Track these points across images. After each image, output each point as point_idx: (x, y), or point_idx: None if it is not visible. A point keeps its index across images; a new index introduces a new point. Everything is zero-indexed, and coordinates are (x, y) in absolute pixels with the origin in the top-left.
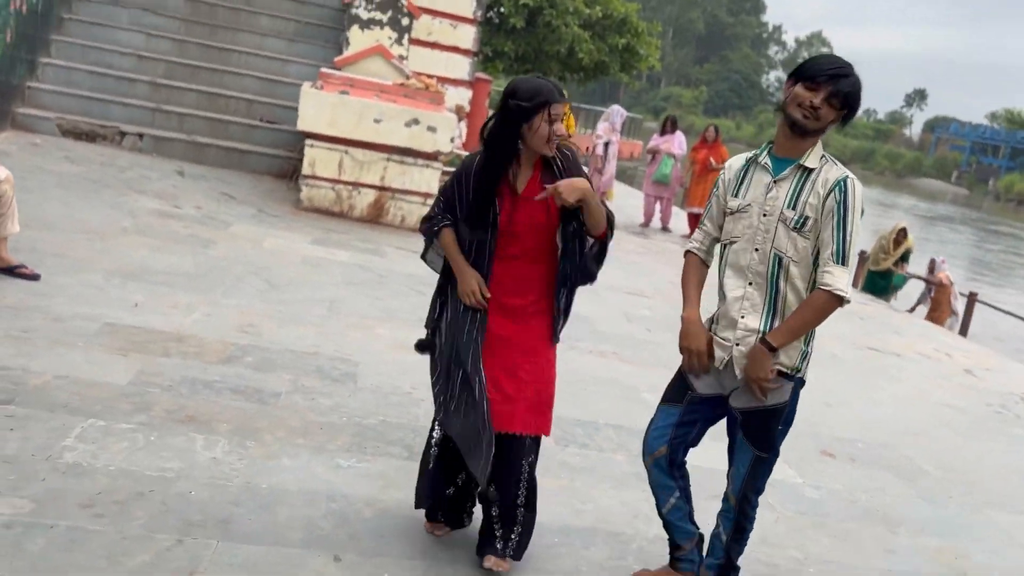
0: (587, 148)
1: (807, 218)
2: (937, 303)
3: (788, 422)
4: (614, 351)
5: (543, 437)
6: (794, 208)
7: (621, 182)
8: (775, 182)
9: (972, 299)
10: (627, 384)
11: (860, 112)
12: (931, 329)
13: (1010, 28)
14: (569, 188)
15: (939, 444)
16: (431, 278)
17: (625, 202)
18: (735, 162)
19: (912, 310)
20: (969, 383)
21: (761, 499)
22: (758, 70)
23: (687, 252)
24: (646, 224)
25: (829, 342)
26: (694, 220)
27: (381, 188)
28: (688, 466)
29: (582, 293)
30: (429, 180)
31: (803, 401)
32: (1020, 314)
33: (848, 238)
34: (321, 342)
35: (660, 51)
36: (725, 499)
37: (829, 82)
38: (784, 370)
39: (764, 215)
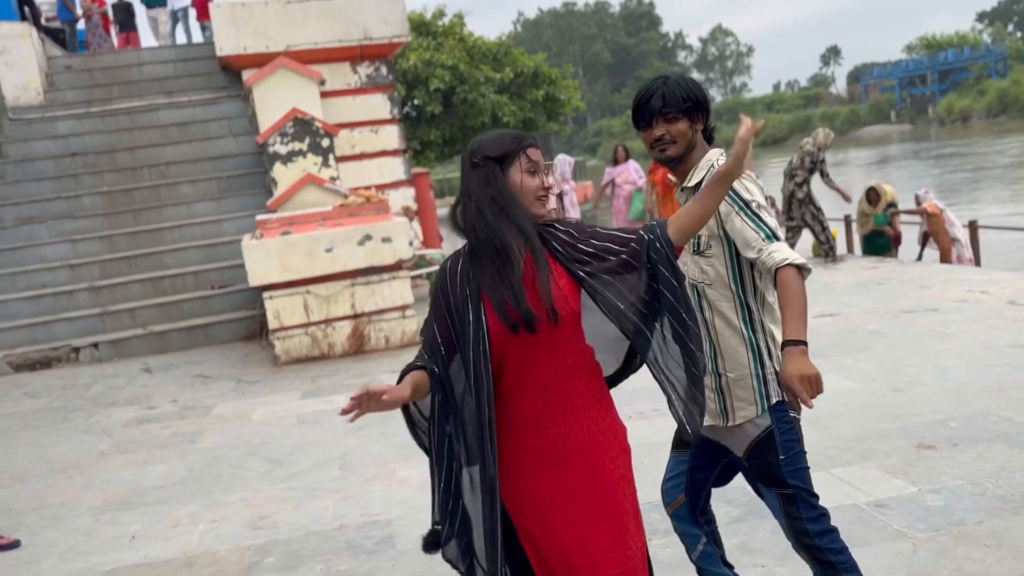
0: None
1: (700, 236)
2: (935, 235)
3: (790, 449)
4: (654, 408)
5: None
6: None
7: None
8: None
9: (974, 228)
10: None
11: (784, 86)
12: (953, 271)
13: None
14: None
15: None
16: None
17: None
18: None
19: (920, 257)
20: (1021, 316)
21: (884, 528)
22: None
23: None
24: None
25: (862, 319)
26: None
27: (355, 316)
28: None
29: None
30: (401, 291)
31: (870, 396)
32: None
33: (761, 218)
34: (345, 510)
35: (579, 91)
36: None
37: (648, 109)
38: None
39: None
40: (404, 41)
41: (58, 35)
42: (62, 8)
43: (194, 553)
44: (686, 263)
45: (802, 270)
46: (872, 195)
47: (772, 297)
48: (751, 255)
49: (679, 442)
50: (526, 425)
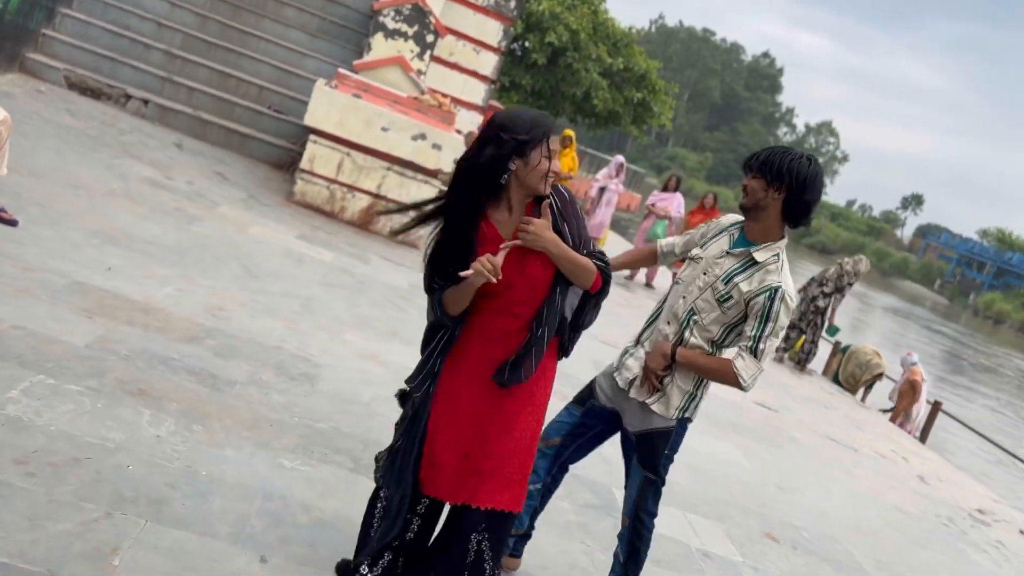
0: (585, 192)
1: (730, 297)
2: (902, 394)
3: (674, 448)
4: None
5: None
6: (727, 284)
7: (615, 231)
8: (728, 254)
9: (936, 408)
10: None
11: (856, 206)
12: (892, 430)
13: (1014, 146)
14: (536, 232)
15: (883, 546)
16: (411, 292)
17: (615, 250)
18: (724, 220)
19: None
20: (922, 490)
21: (699, 572)
22: (765, 146)
23: (657, 243)
24: (631, 277)
25: (791, 424)
26: None
27: (376, 195)
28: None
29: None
30: (427, 195)
31: (756, 482)
32: (979, 430)
33: (766, 338)
34: (288, 338)
35: (673, 111)
36: (622, 521)
37: (753, 160)
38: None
39: (704, 274)
40: None
41: None
42: None
43: (154, 305)
44: (704, 295)
45: (741, 381)
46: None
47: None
48: (736, 343)
49: (579, 399)
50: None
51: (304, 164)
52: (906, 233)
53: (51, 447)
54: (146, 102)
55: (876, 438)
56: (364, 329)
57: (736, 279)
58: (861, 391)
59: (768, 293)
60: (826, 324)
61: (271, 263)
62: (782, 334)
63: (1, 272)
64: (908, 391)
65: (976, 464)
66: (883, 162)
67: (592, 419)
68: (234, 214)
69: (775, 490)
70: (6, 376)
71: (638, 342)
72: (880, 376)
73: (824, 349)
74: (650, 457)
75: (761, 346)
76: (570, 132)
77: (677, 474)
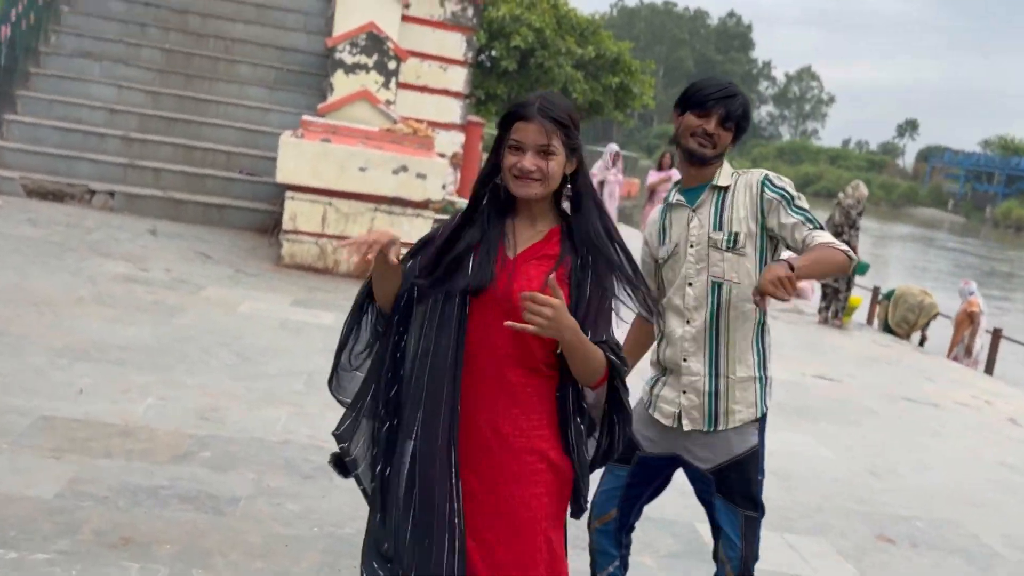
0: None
1: (737, 234)
2: (959, 326)
3: (762, 470)
4: None
5: None
6: (720, 229)
7: (623, 225)
8: (693, 211)
9: (997, 336)
10: None
11: (852, 143)
12: (965, 373)
13: (998, 57)
14: (554, 319)
15: (1005, 517)
16: None
17: (631, 244)
18: (653, 215)
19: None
20: (1017, 435)
21: None
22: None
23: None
24: None
25: (860, 393)
26: None
27: None
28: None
29: None
30: (420, 231)
31: (846, 474)
32: None
33: (807, 209)
34: (294, 426)
35: (653, 89)
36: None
37: (719, 105)
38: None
39: (691, 246)
40: None
41: None
42: None
43: (134, 425)
44: (712, 260)
45: (845, 251)
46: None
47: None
48: (797, 243)
49: (621, 456)
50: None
51: (287, 224)
52: (908, 161)
53: None
54: (111, 194)
55: (951, 387)
56: None
57: (725, 215)
58: (918, 335)
59: (765, 183)
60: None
61: (266, 341)
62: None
63: None
64: (964, 321)
65: None
66: (870, 97)
67: (645, 473)
68: (220, 294)
69: (869, 478)
70: None
71: (663, 368)
72: (936, 316)
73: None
74: (744, 488)
75: (815, 221)
76: None
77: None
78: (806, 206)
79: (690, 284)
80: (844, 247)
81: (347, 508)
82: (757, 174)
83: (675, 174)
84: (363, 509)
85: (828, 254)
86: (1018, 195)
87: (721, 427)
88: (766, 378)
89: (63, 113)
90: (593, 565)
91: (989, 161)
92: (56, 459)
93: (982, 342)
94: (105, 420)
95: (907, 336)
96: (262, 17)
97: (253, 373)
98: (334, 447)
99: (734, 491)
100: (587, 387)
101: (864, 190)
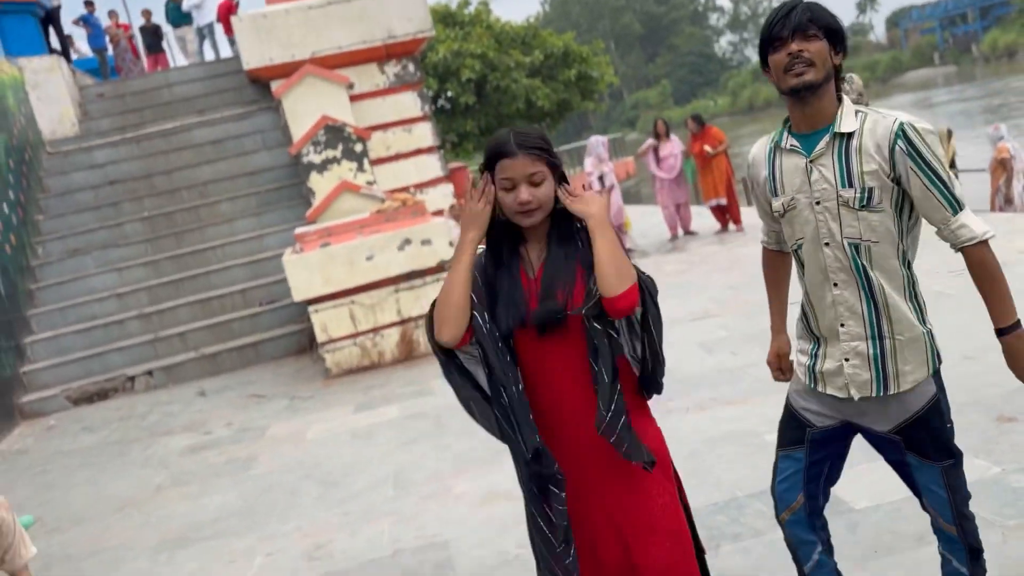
0: (583, 187)
1: (871, 189)
2: (994, 175)
3: (949, 417)
4: (711, 397)
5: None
6: (850, 185)
7: (634, 203)
8: (811, 163)
9: None
10: (744, 431)
11: None
12: (1014, 220)
13: None
14: (585, 197)
15: None
16: None
17: (646, 221)
18: (757, 154)
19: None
20: None
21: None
22: (708, 43)
23: (763, 246)
24: (674, 236)
25: (923, 280)
26: (719, 212)
27: (402, 322)
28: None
29: None
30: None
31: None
32: None
33: (947, 181)
34: (400, 533)
35: (611, 66)
36: (939, 531)
37: (790, 19)
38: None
39: (817, 203)
40: (428, 36)
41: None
42: (95, 36)
43: None
44: (844, 220)
45: (991, 240)
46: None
47: (912, 254)
48: (934, 224)
49: (791, 438)
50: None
51: (320, 336)
52: (879, 33)
53: None
54: (150, 373)
55: (1009, 238)
56: (467, 469)
57: (854, 168)
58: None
59: (900, 136)
60: None
61: (343, 458)
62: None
63: None
64: (998, 168)
65: None
66: None
67: (822, 450)
68: (285, 429)
69: (966, 365)
70: None
71: (816, 337)
72: (949, 135)
73: None
74: (937, 440)
75: (951, 193)
76: None
77: None
78: (944, 173)
79: (826, 244)
80: (987, 233)
81: None
82: (890, 122)
83: (675, 145)
84: None
85: (996, 274)
86: (997, 23)
87: (892, 391)
88: (932, 332)
89: (76, 315)
90: (796, 561)
91: (958, 2)
92: None
93: (1022, 186)
94: None
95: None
96: (221, 152)
97: (342, 496)
98: (447, 539)
99: (925, 446)
100: (621, 307)
101: (859, 81)
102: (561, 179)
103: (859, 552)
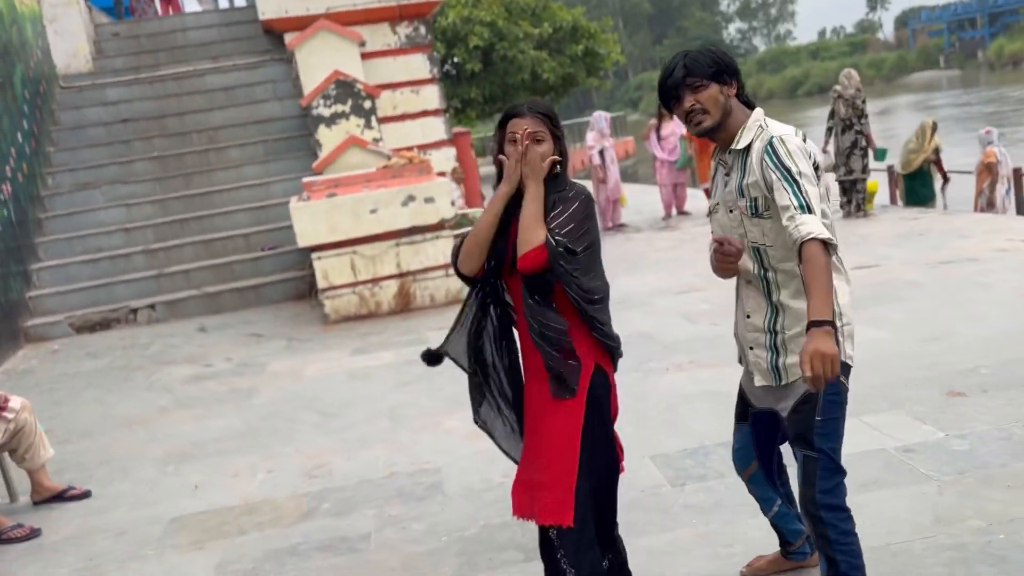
0: (583, 162)
1: (755, 199)
2: (979, 176)
3: (829, 413)
4: (690, 360)
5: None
6: (742, 195)
7: (631, 182)
8: (727, 175)
9: (1019, 175)
10: (717, 391)
11: (829, 32)
12: (994, 221)
13: None
14: (530, 161)
15: None
16: None
17: (641, 199)
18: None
19: (981, 206)
20: None
21: (912, 472)
22: (717, 29)
23: None
24: (668, 215)
25: (899, 270)
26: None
27: (401, 275)
28: None
29: (633, 311)
30: (444, 250)
31: (904, 348)
32: None
33: (802, 186)
34: (395, 459)
35: (619, 44)
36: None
37: (678, 78)
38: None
39: (730, 211)
40: None
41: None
42: None
43: (255, 500)
44: (746, 226)
45: (828, 245)
46: (932, 131)
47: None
48: (783, 219)
49: (740, 414)
50: None
51: (321, 283)
52: (888, 32)
53: None
54: (153, 307)
55: (986, 237)
56: (458, 409)
57: (746, 180)
58: (940, 190)
59: (767, 149)
60: (871, 152)
61: (341, 394)
62: (812, 178)
63: (98, 550)
64: (983, 172)
65: None
66: None
67: (762, 423)
68: (284, 366)
69: (928, 345)
70: None
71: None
72: (935, 128)
73: (885, 185)
74: (800, 429)
75: (804, 197)
76: None
77: None
78: (798, 177)
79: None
80: (822, 233)
81: (467, 513)
82: (766, 135)
83: (677, 124)
84: (482, 511)
85: (821, 270)
86: (1005, 31)
87: (783, 381)
88: (842, 326)
89: (83, 246)
90: (761, 507)
91: (967, 7)
92: (199, 549)
93: (1004, 190)
94: (228, 505)
95: (925, 163)
96: (233, 99)
97: (340, 426)
98: (438, 466)
99: (795, 432)
100: (522, 266)
101: (856, 76)
102: (562, 153)
103: None
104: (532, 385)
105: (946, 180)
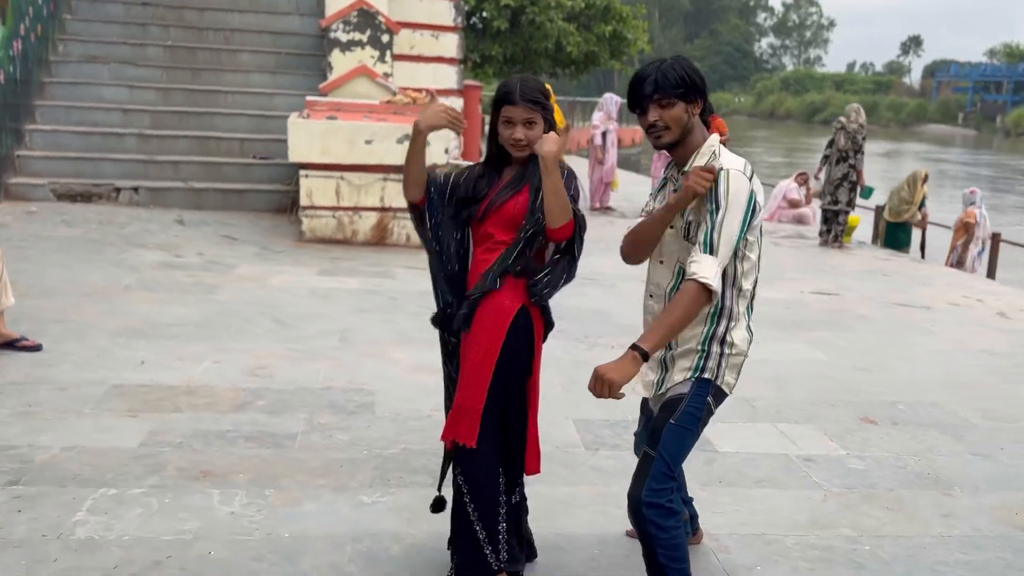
0: (586, 141)
1: (690, 223)
2: (955, 234)
3: (685, 422)
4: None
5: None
6: (682, 216)
7: (626, 169)
8: (675, 191)
9: (996, 240)
10: None
11: (858, 67)
12: (958, 276)
13: None
14: (545, 138)
15: (983, 394)
16: None
17: (632, 189)
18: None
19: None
20: (1007, 327)
21: (804, 479)
22: (749, 39)
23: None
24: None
25: (856, 303)
26: None
27: (382, 209)
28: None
29: (597, 288)
30: None
31: (837, 372)
32: None
33: (719, 228)
34: (335, 375)
35: (648, 33)
36: None
37: (645, 90)
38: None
39: (669, 228)
40: None
41: None
42: None
43: (195, 385)
44: (680, 246)
45: (710, 294)
46: (923, 183)
47: (748, 284)
48: (690, 255)
49: (641, 405)
50: None
51: (303, 201)
52: (915, 78)
53: (129, 557)
54: (136, 189)
55: (945, 289)
56: (407, 343)
57: (689, 204)
58: (919, 242)
59: (716, 180)
60: (858, 188)
61: (299, 308)
62: (738, 222)
63: (39, 399)
64: (960, 229)
65: None
66: (872, 17)
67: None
68: (251, 271)
69: (859, 374)
70: (68, 500)
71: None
72: (926, 177)
73: (867, 222)
74: (655, 426)
75: (714, 237)
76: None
77: (759, 388)
78: (723, 218)
79: (661, 262)
80: (709, 280)
81: (390, 434)
82: (716, 166)
83: None
84: (405, 436)
85: (681, 309)
86: None
87: (661, 391)
88: (707, 351)
89: (80, 118)
90: None
91: (996, 70)
92: (133, 417)
93: (977, 252)
94: (169, 383)
95: (912, 217)
96: (255, 4)
97: (292, 336)
98: (374, 390)
99: (651, 429)
100: (558, 237)
101: (863, 114)
102: (550, 127)
103: (706, 479)
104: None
105: (924, 234)
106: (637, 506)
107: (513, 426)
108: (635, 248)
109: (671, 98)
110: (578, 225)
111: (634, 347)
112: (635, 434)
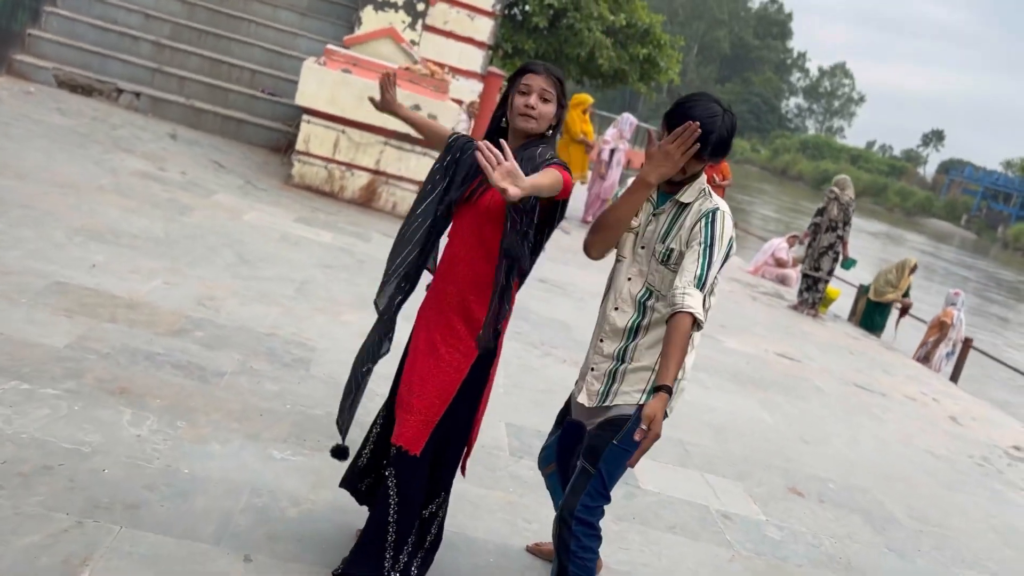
0: (598, 155)
1: (672, 251)
2: (929, 330)
3: (629, 445)
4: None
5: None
6: (663, 241)
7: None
8: (654, 215)
9: (967, 346)
10: None
11: (876, 146)
12: (921, 371)
13: None
14: (503, 172)
15: (915, 492)
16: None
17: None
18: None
19: (919, 356)
20: (955, 431)
21: (718, 535)
22: (779, 95)
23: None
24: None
25: (814, 374)
26: None
27: (375, 172)
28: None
29: (567, 300)
30: (425, 168)
31: (779, 437)
32: (1014, 365)
33: (711, 266)
34: (281, 323)
35: (681, 65)
36: None
37: (709, 146)
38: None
39: (642, 247)
40: None
41: None
42: None
43: (139, 300)
44: (651, 267)
45: (698, 323)
46: (911, 271)
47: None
48: (679, 281)
49: (559, 419)
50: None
51: (300, 145)
52: (929, 171)
53: (20, 456)
54: (138, 95)
55: (905, 381)
56: (363, 309)
57: (672, 231)
58: (895, 326)
59: (707, 216)
60: (840, 258)
61: (266, 248)
62: (720, 261)
63: None
64: (934, 326)
65: (1016, 400)
66: (901, 101)
67: (571, 436)
68: (229, 201)
69: (799, 443)
70: None
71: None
72: (915, 268)
73: (847, 296)
74: (595, 444)
75: (706, 274)
76: (586, 97)
77: (698, 435)
78: (715, 255)
79: (629, 279)
80: (699, 312)
81: (319, 395)
82: (710, 205)
83: None
84: (333, 400)
85: (681, 341)
86: None
87: (608, 403)
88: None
89: (100, 12)
90: (553, 501)
91: (1009, 182)
92: (68, 317)
93: (946, 352)
94: (113, 292)
95: (895, 301)
96: None
97: (250, 274)
98: (315, 347)
99: (589, 444)
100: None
101: (851, 190)
102: (559, 120)
103: (622, 513)
104: (439, 315)
105: (903, 314)
106: (568, 519)
107: (455, 432)
108: (601, 236)
109: (716, 160)
110: (561, 208)
111: (664, 388)
112: (544, 447)
